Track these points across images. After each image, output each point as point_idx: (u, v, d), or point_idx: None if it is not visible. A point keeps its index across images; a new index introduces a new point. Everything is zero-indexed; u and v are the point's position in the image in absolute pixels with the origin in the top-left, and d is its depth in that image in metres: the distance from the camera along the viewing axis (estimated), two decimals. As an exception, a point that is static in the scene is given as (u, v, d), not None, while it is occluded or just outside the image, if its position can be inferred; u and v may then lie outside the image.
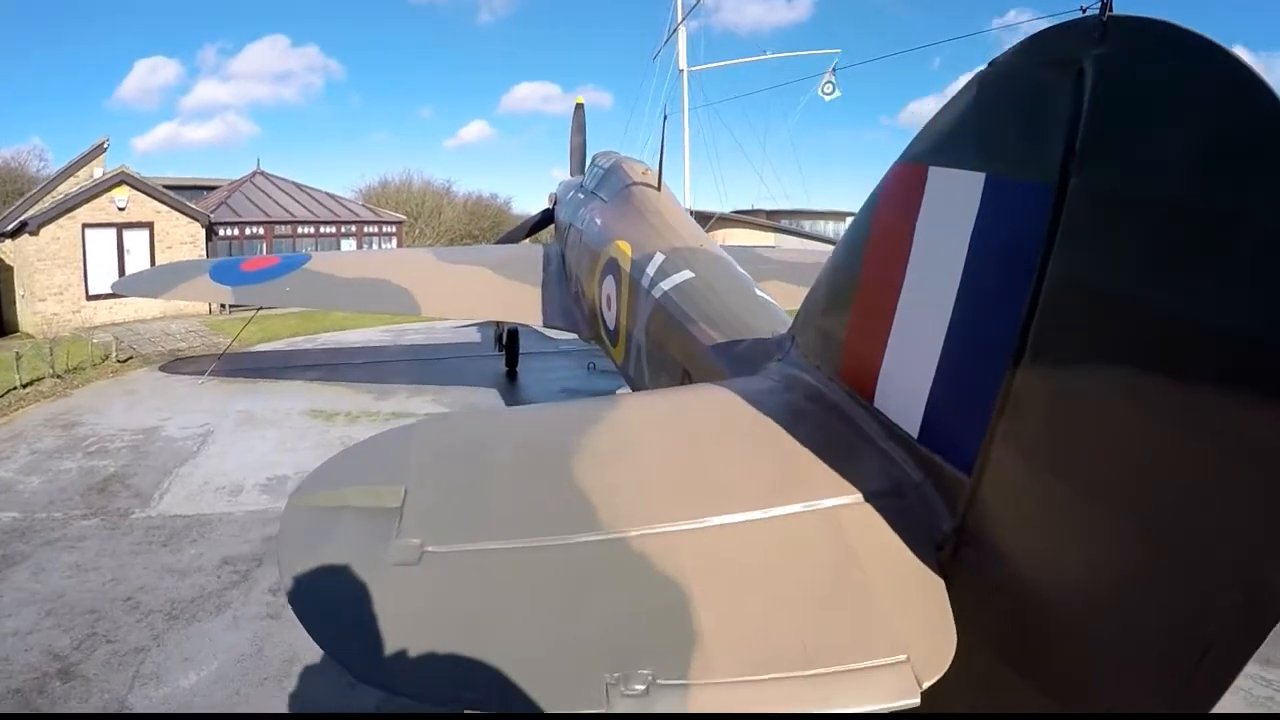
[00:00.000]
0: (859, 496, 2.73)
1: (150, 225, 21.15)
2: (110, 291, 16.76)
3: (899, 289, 2.80)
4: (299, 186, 26.52)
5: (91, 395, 13.79)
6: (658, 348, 6.40)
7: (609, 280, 8.48)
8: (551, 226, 18.62)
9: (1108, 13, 1.95)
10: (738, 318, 5.62)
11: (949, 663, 2.27)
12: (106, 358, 15.56)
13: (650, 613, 2.40)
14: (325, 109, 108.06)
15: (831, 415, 3.18)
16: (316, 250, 23.15)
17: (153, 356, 16.60)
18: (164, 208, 21.46)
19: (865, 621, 2.40)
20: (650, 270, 7.01)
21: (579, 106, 19.41)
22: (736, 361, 4.85)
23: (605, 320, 8.74)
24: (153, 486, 9.33)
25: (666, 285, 6.55)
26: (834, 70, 29.34)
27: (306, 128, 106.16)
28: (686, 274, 6.53)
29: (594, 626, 2.38)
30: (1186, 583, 1.78)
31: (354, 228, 25.40)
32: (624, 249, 8.18)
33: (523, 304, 12.39)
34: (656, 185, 10.04)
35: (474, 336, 20.09)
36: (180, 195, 22.54)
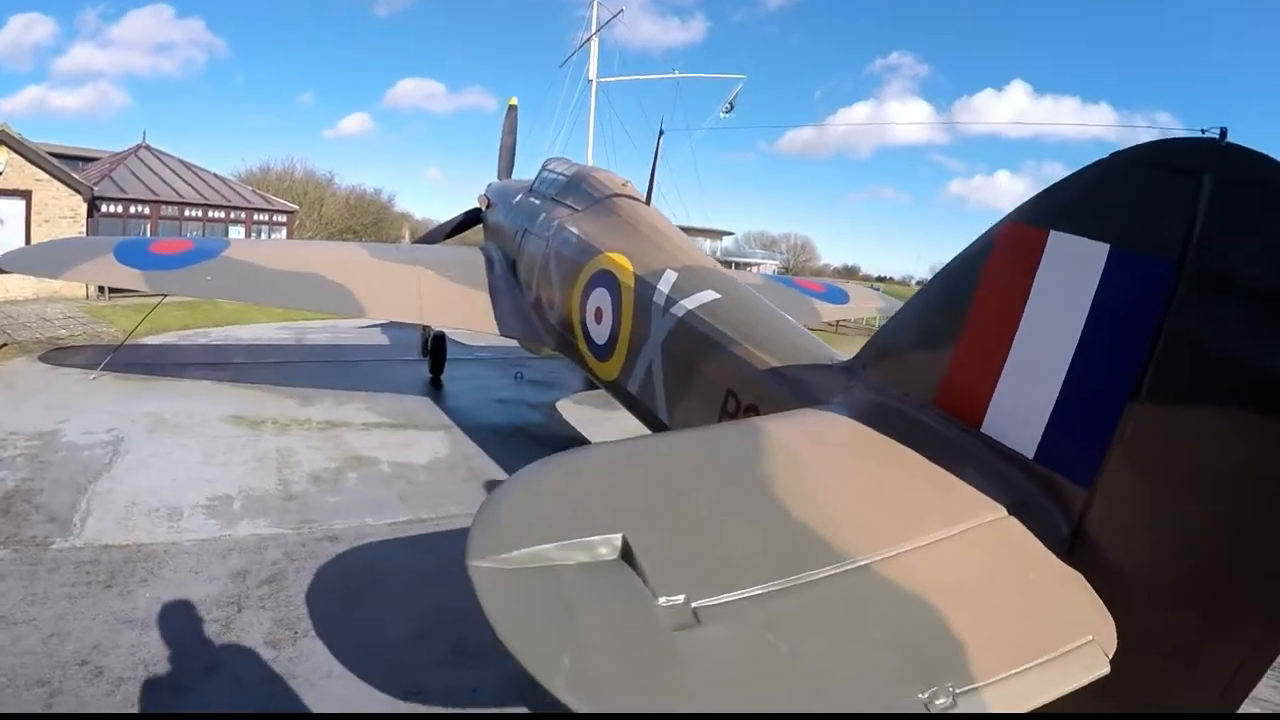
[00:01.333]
0: (1004, 510, 3.04)
1: (28, 195, 18.24)
2: (-10, 268, 14.24)
3: (1013, 333, 3.19)
4: (185, 165, 23.80)
5: (-43, 388, 11.59)
6: (684, 366, 6.25)
7: (599, 293, 8.16)
8: (475, 228, 17.74)
9: (1224, 139, 2.55)
10: (785, 340, 5.61)
11: (1115, 635, 2.65)
12: (-25, 344, 13.24)
13: (918, 630, 2.50)
14: (205, 87, 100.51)
15: (939, 439, 3.42)
16: (204, 235, 20.89)
17: (30, 344, 14.26)
18: (45, 176, 18.58)
19: (1055, 612, 2.74)
20: (663, 287, 6.88)
21: (512, 108, 18.60)
22: (800, 386, 4.87)
23: (590, 334, 8.43)
24: (68, 507, 7.70)
25: (690, 304, 6.40)
26: (735, 94, 29.71)
27: (183, 104, 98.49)
28: (710, 294, 6.43)
29: (882, 652, 2.43)
30: (1256, 560, 2.43)
31: (243, 214, 23.05)
32: (620, 262, 7.92)
33: (473, 309, 11.62)
34: (645, 199, 9.93)
35: (382, 339, 18.62)
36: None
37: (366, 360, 16.12)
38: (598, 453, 3.24)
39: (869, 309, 18.84)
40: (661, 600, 2.31)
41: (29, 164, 18.36)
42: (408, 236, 45.65)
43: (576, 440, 12.00)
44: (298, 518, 8.08)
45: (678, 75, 31.05)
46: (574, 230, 9.65)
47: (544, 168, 12.86)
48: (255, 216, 23.15)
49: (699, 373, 5.97)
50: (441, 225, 17.78)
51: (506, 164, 18.09)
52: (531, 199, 12.45)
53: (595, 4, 29.10)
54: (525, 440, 11.84)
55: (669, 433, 3.97)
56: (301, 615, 6.15)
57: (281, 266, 11.60)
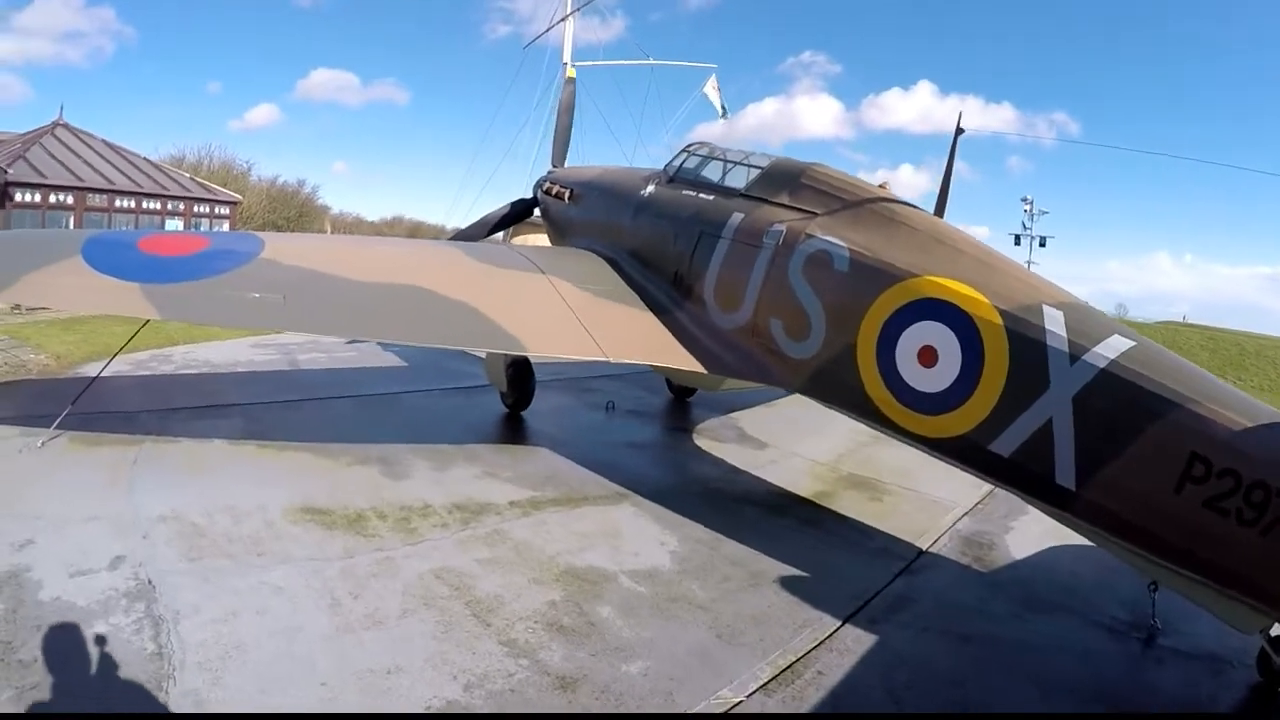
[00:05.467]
0: None
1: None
2: None
3: None
4: (111, 146, 17.51)
5: None
6: (1115, 425, 5.22)
7: (926, 329, 6.36)
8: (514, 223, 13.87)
9: None
10: (1231, 394, 5.20)
11: None
12: None
13: None
14: (111, 77, 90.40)
15: None
16: (136, 228, 15.18)
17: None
18: (-58, 159, 12.24)
19: None
20: (1054, 329, 5.72)
21: (570, 80, 14.50)
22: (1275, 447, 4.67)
23: (904, 379, 6.45)
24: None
25: (1108, 353, 5.41)
26: (718, 84, 26.83)
27: (88, 95, 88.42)
28: (1123, 340, 5.49)
29: None
30: None
31: (181, 205, 17.23)
32: (962, 292, 6.23)
33: (657, 339, 8.15)
34: (939, 211, 8.01)
35: (390, 357, 13.76)
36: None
37: (403, 391, 11.31)
38: None
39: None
40: None
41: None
42: (329, 232, 40.45)
43: (785, 496, 8.56)
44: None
45: (652, 62, 27.48)
46: (836, 242, 7.20)
47: (689, 153, 9.92)
48: (196, 208, 17.37)
49: (1143, 433, 5.08)
50: (482, 220, 13.47)
51: (563, 148, 14.24)
52: (684, 192, 9.29)
53: (572, -21, 25.09)
54: (733, 503, 8.11)
55: None
56: None
57: (363, 276, 7.51)
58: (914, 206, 7.55)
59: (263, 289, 6.79)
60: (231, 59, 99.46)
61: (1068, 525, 5.78)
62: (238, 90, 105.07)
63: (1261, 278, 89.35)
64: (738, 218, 8.21)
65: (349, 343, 14.44)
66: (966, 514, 8.65)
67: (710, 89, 26.87)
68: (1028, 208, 31.64)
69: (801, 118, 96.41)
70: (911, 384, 6.36)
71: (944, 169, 8.26)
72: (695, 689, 4.59)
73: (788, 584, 6.24)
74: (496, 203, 13.53)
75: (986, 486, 9.40)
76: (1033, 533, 8.05)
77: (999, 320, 5.93)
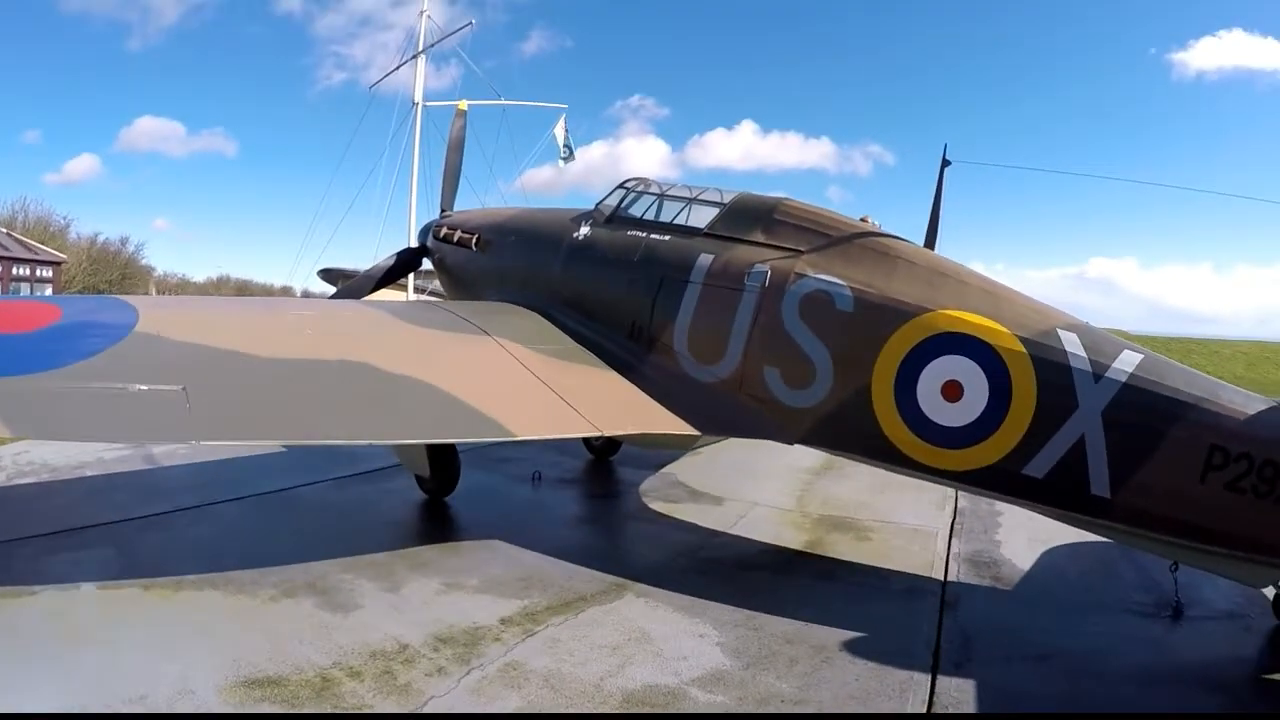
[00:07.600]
0: None
1: None
2: None
3: None
4: None
5: None
6: (1141, 433, 5.49)
7: (949, 364, 6.13)
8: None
9: None
10: (1226, 388, 5.53)
11: None
12: None
13: None
14: None
15: None
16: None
17: None
18: None
19: None
20: (1075, 350, 5.77)
21: (461, 113, 13.29)
22: (1274, 427, 5.15)
23: (927, 416, 6.15)
24: None
25: (1126, 367, 5.62)
26: (565, 125, 26.69)
27: None
28: (1133, 354, 5.72)
29: None
30: None
31: None
32: (980, 323, 6.08)
33: (637, 405, 7.11)
34: (929, 243, 8.09)
35: (262, 441, 11.63)
36: None
37: (295, 486, 9.36)
38: None
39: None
40: None
41: None
42: (153, 293, 36.14)
43: (781, 553, 7.86)
44: None
45: (504, 103, 26.94)
46: (834, 280, 6.71)
47: (627, 190, 8.98)
48: (16, 269, 14.35)
49: (1168, 436, 5.38)
50: (367, 274, 12.08)
51: (454, 189, 13.11)
52: (629, 233, 8.32)
53: (424, 17, 24.09)
54: (736, 571, 7.36)
55: None
56: None
57: (285, 352, 6.09)
58: (902, 239, 7.16)
59: (150, 377, 5.17)
60: (53, 104, 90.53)
61: (1097, 531, 5.98)
62: (58, 139, 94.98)
63: (1068, 277, 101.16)
64: (706, 259, 7.42)
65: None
66: (953, 536, 8.48)
67: (559, 129, 26.74)
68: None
69: (628, 160, 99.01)
70: (936, 421, 6.13)
71: (932, 203, 8.12)
72: None
73: (855, 649, 5.66)
74: (346, 259, 12.09)
75: (950, 506, 9.22)
76: (1018, 543, 8.24)
77: (1022, 349, 5.89)
